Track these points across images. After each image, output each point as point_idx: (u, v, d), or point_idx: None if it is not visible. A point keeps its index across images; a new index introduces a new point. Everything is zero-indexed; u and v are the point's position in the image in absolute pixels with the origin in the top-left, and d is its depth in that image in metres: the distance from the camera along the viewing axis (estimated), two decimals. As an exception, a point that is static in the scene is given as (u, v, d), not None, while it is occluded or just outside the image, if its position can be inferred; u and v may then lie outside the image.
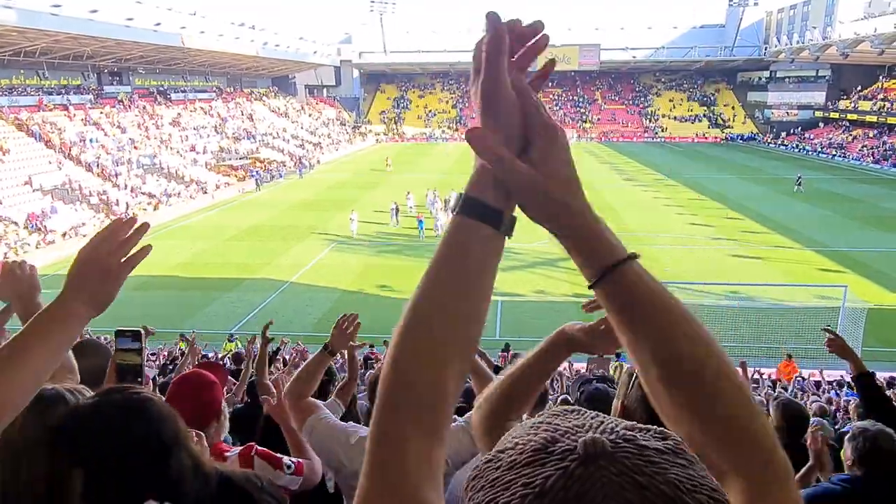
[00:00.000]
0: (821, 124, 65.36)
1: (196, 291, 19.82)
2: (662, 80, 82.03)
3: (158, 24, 44.35)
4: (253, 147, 51.20)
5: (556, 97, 79.80)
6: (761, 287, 18.36)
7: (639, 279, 0.78)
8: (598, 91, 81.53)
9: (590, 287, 0.81)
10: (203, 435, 1.82)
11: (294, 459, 2.41)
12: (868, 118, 57.22)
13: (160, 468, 1.24)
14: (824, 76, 69.99)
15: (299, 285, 20.17)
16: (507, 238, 0.78)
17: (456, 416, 2.22)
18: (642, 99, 79.50)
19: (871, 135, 55.21)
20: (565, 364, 10.76)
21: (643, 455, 0.55)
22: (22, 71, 40.09)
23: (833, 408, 7.86)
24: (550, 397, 5.85)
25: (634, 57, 79.15)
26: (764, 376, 10.64)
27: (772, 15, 76.41)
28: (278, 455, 2.38)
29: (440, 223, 26.00)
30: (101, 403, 1.24)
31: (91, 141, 38.27)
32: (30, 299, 1.52)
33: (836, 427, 5.59)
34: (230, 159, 45.78)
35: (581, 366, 10.76)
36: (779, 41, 69.67)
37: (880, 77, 61.19)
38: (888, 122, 53.89)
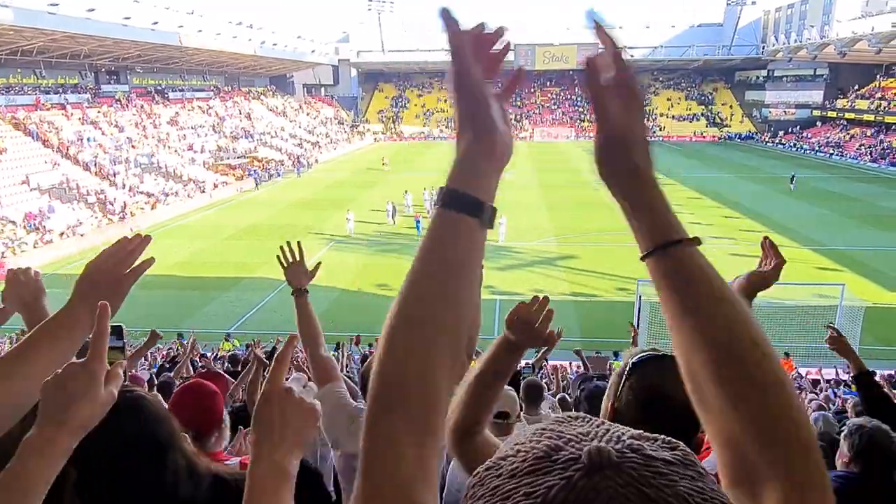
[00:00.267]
0: (818, 123, 65.49)
1: (194, 291, 19.81)
2: (660, 78, 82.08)
3: (156, 22, 44.28)
4: (251, 146, 51.14)
5: (555, 96, 79.85)
6: (759, 285, 18.35)
7: (700, 259, 0.81)
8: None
9: (643, 257, 0.83)
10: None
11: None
12: (865, 117, 57.37)
13: (153, 468, 1.23)
14: (822, 75, 70.12)
15: (298, 284, 20.13)
16: (487, 230, 0.79)
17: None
18: (640, 98, 79.53)
19: (868, 133, 55.37)
20: (565, 364, 10.76)
21: (651, 466, 0.52)
22: (19, 70, 39.99)
23: (833, 406, 7.86)
24: (548, 394, 5.86)
25: (632, 56, 78.61)
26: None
27: (769, 14, 76.50)
28: None
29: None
30: None
31: (88, 140, 38.17)
32: (35, 305, 1.54)
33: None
34: (228, 158, 45.75)
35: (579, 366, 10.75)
36: (776, 40, 69.79)
37: (878, 76, 61.31)
38: (885, 120, 54.03)
